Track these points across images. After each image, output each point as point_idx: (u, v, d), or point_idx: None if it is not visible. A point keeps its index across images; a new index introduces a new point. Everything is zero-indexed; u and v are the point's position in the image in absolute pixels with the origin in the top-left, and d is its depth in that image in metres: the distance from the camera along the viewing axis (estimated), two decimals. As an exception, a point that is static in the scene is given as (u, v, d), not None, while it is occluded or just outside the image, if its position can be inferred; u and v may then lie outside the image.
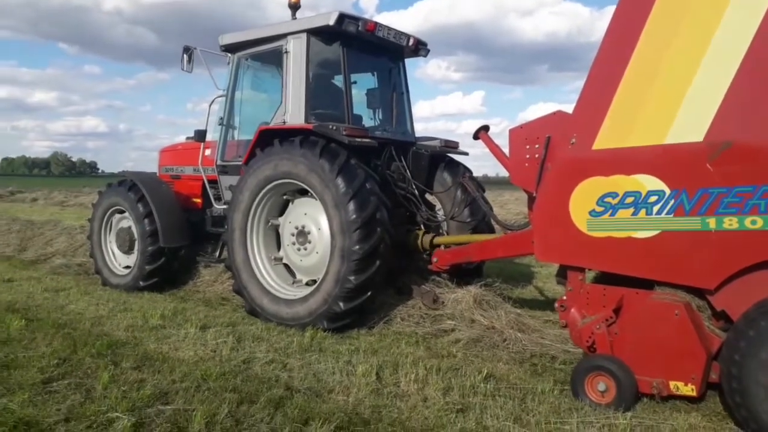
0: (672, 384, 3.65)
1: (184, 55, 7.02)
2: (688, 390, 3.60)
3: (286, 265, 6.27)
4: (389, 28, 6.44)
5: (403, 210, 6.46)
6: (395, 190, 6.35)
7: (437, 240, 6.29)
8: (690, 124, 3.58)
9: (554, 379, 4.25)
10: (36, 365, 4.25)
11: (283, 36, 6.30)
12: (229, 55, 7.02)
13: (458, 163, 6.94)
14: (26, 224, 11.98)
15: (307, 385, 4.01)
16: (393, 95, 7.09)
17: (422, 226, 6.56)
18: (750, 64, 3.39)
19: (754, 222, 3.40)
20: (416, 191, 6.53)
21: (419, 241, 6.35)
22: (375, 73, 7.17)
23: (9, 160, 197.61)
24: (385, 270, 5.55)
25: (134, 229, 7.46)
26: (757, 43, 3.37)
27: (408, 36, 6.70)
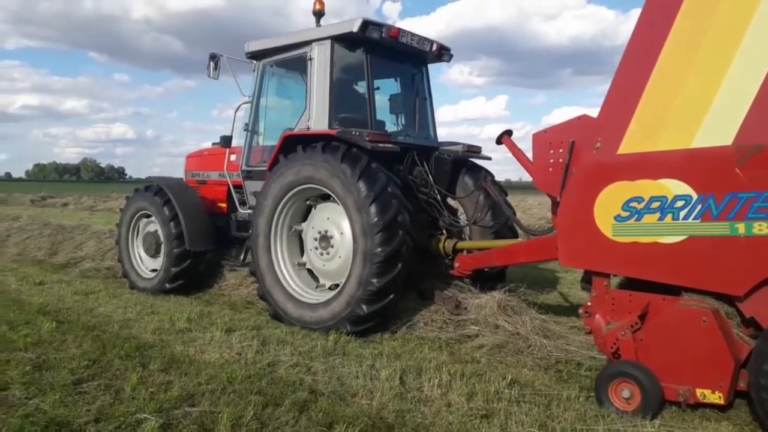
0: (699, 392, 3.60)
1: (211, 63, 7.08)
2: (716, 398, 3.55)
3: (309, 270, 6.31)
4: (413, 34, 6.46)
5: (425, 215, 6.47)
6: (417, 195, 6.39)
7: (460, 245, 6.28)
8: (718, 127, 3.53)
9: (580, 386, 4.20)
10: (67, 366, 4.35)
11: (308, 43, 6.37)
12: (255, 62, 7.13)
13: (480, 168, 6.92)
14: (57, 228, 12.25)
15: (331, 389, 4.03)
16: (416, 101, 7.13)
17: (444, 231, 6.56)
18: None
19: None
20: (438, 196, 6.56)
21: (441, 246, 6.34)
22: (398, 78, 7.21)
23: (41, 166, 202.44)
24: (407, 273, 5.56)
25: (161, 233, 7.61)
26: None
27: (431, 41, 6.70)
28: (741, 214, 3.45)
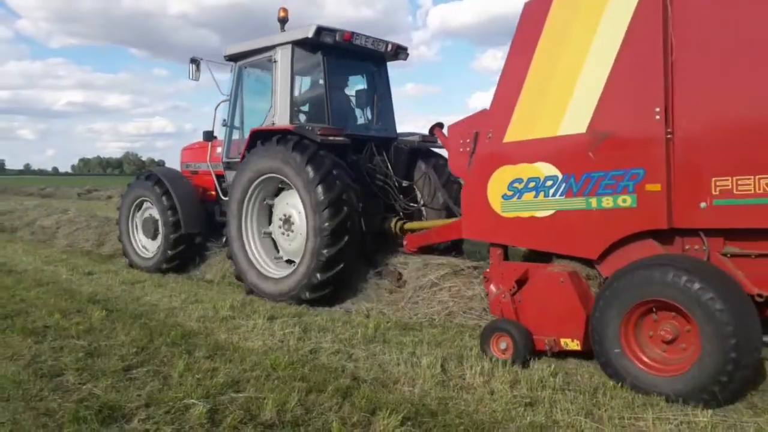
0: (562, 341, 4.29)
1: (192, 65, 7.92)
2: (574, 345, 4.23)
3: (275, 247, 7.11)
4: (367, 37, 7.12)
5: (381, 200, 7.13)
6: (375, 182, 7.09)
7: (407, 226, 6.97)
8: (576, 118, 4.19)
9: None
10: (117, 353, 4.49)
11: (273, 47, 7.11)
12: (232, 64, 7.89)
13: (433, 155, 7.49)
14: (103, 221, 12.61)
15: (372, 376, 4.05)
16: (376, 96, 7.86)
17: (401, 214, 7.19)
18: (619, 68, 4.00)
19: (624, 200, 4.00)
20: (395, 182, 7.23)
21: (393, 227, 7.04)
22: (358, 76, 7.92)
23: (85, 160, 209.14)
24: (355, 244, 6.25)
25: (159, 219, 8.43)
26: (623, 51, 3.97)
27: (387, 43, 7.40)
28: (593, 191, 4.12)
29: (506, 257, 4.90)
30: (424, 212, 7.44)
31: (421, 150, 7.48)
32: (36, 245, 11.64)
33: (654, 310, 3.77)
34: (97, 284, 7.47)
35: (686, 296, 3.54)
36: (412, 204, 7.30)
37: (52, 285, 7.36)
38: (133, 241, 9.00)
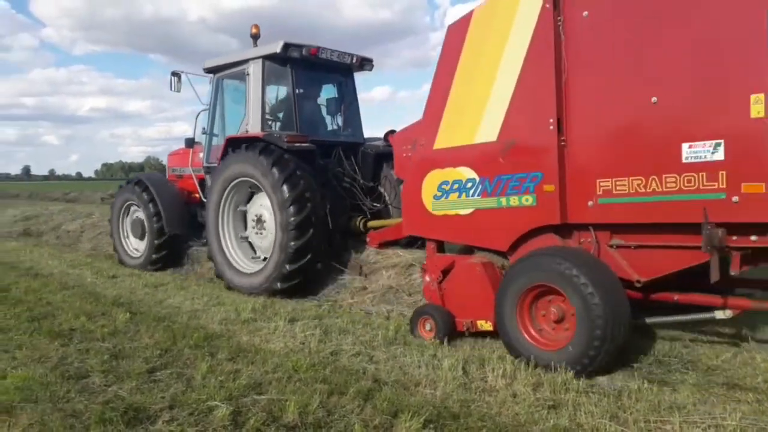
0: (478, 323, 4.93)
1: (173, 78, 8.63)
2: (488, 326, 4.87)
3: (251, 246, 7.70)
4: (332, 51, 7.74)
5: (347, 200, 7.69)
6: (342, 183, 7.68)
7: (369, 224, 7.51)
8: (489, 128, 4.76)
9: (650, 378, 4.04)
10: (141, 355, 4.55)
11: (246, 61, 7.73)
12: (211, 76, 8.56)
13: None
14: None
15: (394, 378, 4.04)
16: (344, 104, 8.49)
17: (368, 213, 7.70)
18: (521, 84, 4.55)
19: (527, 200, 4.56)
20: (361, 184, 7.80)
21: (357, 225, 7.62)
22: (327, 86, 8.55)
23: (108, 165, 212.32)
24: (320, 238, 6.87)
25: (145, 221, 9.08)
26: (524, 71, 4.51)
27: (352, 55, 8.05)
28: (503, 191, 4.70)
29: (442, 250, 5.50)
30: (391, 211, 7.90)
31: (385, 154, 7.76)
32: (61, 249, 11.86)
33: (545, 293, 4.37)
34: (121, 287, 7.58)
35: (565, 281, 4.10)
36: (375, 204, 7.81)
37: (77, 288, 7.48)
38: (123, 242, 9.77)
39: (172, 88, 8.67)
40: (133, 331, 5.28)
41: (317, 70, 8.13)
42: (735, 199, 3.66)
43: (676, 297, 4.39)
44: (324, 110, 8.50)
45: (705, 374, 4.09)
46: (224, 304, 6.41)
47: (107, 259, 10.30)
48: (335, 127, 8.52)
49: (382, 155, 7.89)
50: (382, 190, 8.04)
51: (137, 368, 4.24)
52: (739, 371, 4.13)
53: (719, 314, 4.12)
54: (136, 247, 9.59)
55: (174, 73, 8.69)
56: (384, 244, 6.94)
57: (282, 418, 3.39)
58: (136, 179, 9.45)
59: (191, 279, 8.25)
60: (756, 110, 3.56)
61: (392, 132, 6.44)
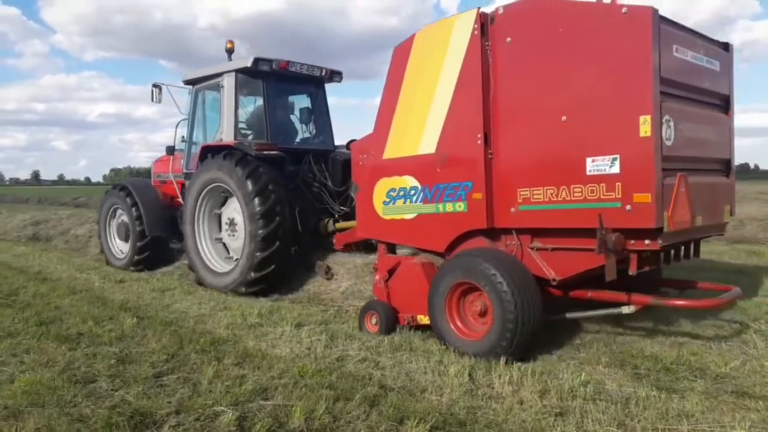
0: (418, 317, 5.34)
1: (154, 90, 9.18)
2: (426, 320, 5.21)
3: (224, 246, 8.22)
4: (302, 64, 8.28)
5: (317, 204, 8.10)
6: (312, 188, 8.10)
7: (336, 225, 7.90)
8: (429, 141, 5.24)
9: (658, 385, 4.00)
10: (148, 360, 4.56)
11: (221, 74, 8.21)
12: (190, 87, 9.08)
13: None
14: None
15: (400, 384, 4.03)
16: (315, 114, 9.01)
17: (336, 216, 8.05)
18: (454, 103, 5.02)
19: (459, 206, 5.04)
20: (330, 188, 8.12)
21: (324, 228, 8.03)
22: (298, 97, 9.03)
23: (116, 170, 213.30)
24: (286, 249, 7.34)
25: (129, 224, 9.60)
26: (457, 91, 4.99)
27: (321, 68, 8.55)
28: (441, 198, 5.17)
29: (393, 252, 5.99)
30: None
31: None
32: (70, 254, 11.94)
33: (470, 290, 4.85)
34: (128, 292, 7.61)
35: (484, 279, 4.61)
36: (343, 207, 8.08)
37: (85, 293, 7.52)
38: (109, 243, 10.35)
39: (154, 100, 9.24)
40: (140, 336, 5.30)
41: (288, 82, 8.63)
42: (628, 207, 4.13)
43: (590, 294, 4.85)
44: (296, 119, 9.04)
45: (713, 382, 4.05)
46: (231, 308, 6.42)
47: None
48: (307, 135, 9.06)
49: (349, 161, 8.05)
50: (352, 194, 8.19)
51: (144, 373, 4.25)
52: (748, 379, 4.09)
53: (625, 309, 4.57)
54: (121, 248, 10.12)
55: (155, 85, 9.25)
56: (349, 246, 7.36)
57: (288, 423, 3.39)
58: (121, 185, 10.05)
59: (197, 284, 8.25)
60: (644, 130, 4.08)
61: (353, 141, 6.68)
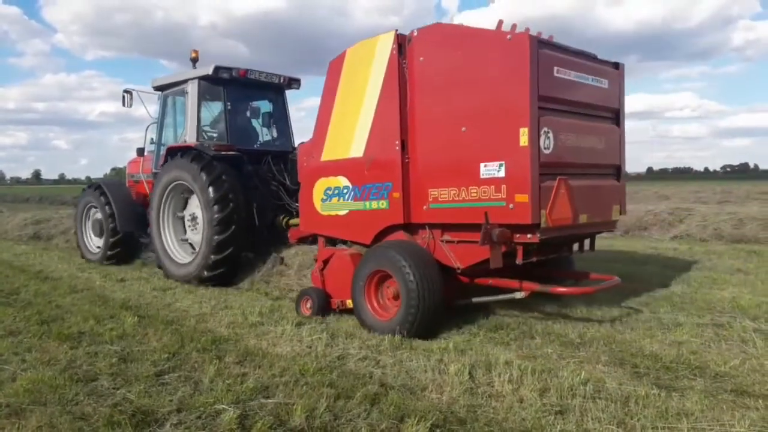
0: (347, 302, 5.88)
1: (125, 95, 9.78)
2: (352, 304, 5.73)
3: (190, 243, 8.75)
4: (260, 72, 8.93)
5: (275, 201, 8.61)
6: (270, 186, 8.63)
7: (291, 221, 8.35)
8: (358, 145, 5.89)
9: (658, 383, 4.01)
10: (149, 359, 4.57)
11: (186, 81, 8.85)
12: (159, 93, 9.73)
13: None
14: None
15: (400, 383, 4.04)
16: (275, 117, 9.69)
17: (293, 212, 8.38)
18: (378, 112, 5.69)
19: (382, 204, 5.74)
20: (288, 186, 8.58)
21: (280, 223, 8.51)
22: (259, 102, 9.64)
23: (117, 169, 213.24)
24: (241, 233, 7.92)
25: (102, 220, 10.27)
26: (380, 102, 5.66)
27: (280, 76, 9.24)
28: (367, 197, 5.84)
29: (333, 244, 6.59)
30: None
31: None
32: (71, 253, 11.94)
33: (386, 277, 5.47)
34: (129, 291, 7.63)
35: (394, 267, 5.28)
36: (298, 204, 8.67)
37: (86, 291, 7.54)
38: (85, 239, 11.01)
39: (125, 104, 9.81)
40: (141, 335, 5.32)
41: (249, 88, 9.26)
42: (511, 206, 4.83)
43: (490, 281, 5.56)
44: (255, 123, 9.69)
45: (713, 381, 4.06)
46: (232, 307, 6.44)
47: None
48: (267, 137, 9.71)
49: None
50: None
51: (145, 371, 4.27)
52: (747, 378, 4.09)
53: (517, 294, 5.26)
54: (96, 244, 10.73)
55: (126, 91, 9.86)
56: (301, 239, 7.93)
57: (289, 421, 3.41)
58: (95, 184, 10.73)
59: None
60: (523, 140, 4.75)
61: (303, 143, 7.19)
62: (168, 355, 4.67)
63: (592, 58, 5.70)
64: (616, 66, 5.94)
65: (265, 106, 9.70)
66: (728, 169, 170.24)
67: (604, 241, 12.60)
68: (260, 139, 9.66)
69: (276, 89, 9.58)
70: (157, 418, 3.49)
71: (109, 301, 6.85)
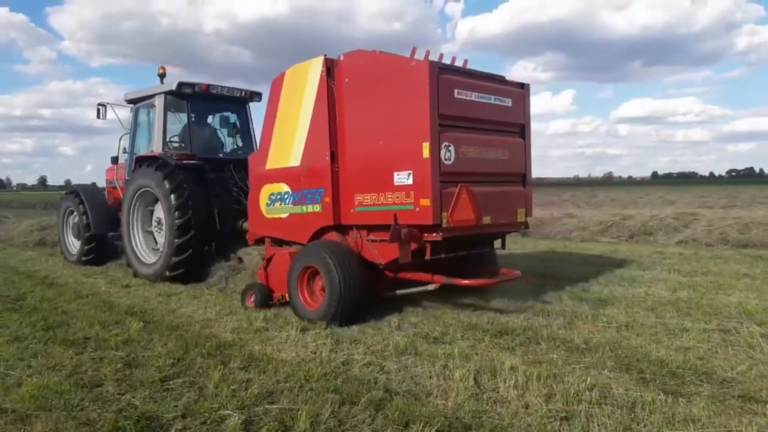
0: (286, 295, 6.52)
1: (100, 108, 10.45)
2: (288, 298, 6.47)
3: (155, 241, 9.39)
4: (222, 87, 9.67)
5: (236, 206, 9.10)
6: (231, 193, 9.20)
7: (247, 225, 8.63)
8: (296, 155, 6.64)
9: (665, 389, 3.99)
10: (154, 364, 4.58)
11: (153, 95, 9.55)
12: (131, 105, 10.42)
13: None
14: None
15: (405, 388, 4.03)
16: (238, 128, 10.44)
17: None
18: (311, 127, 6.43)
19: (316, 208, 6.46)
20: (248, 192, 8.70)
21: (241, 226, 8.89)
22: (223, 114, 10.45)
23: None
24: (200, 237, 8.54)
25: (79, 223, 10.98)
26: (313, 117, 6.39)
27: (242, 90, 9.97)
28: (304, 201, 6.58)
29: (280, 244, 7.18)
30: None
31: None
32: (76, 258, 11.94)
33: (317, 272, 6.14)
34: (134, 296, 7.64)
35: (321, 263, 5.99)
36: None
37: (91, 297, 7.56)
38: (65, 240, 11.74)
39: (100, 117, 10.46)
40: (146, 340, 5.32)
41: (212, 101, 9.96)
42: (417, 209, 5.57)
43: (409, 275, 6.20)
44: (219, 133, 10.42)
45: (720, 386, 4.03)
46: (236, 313, 6.44)
47: (120, 267, 10.39)
48: (230, 147, 10.40)
49: None
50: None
51: (150, 377, 4.27)
52: (754, 383, 4.07)
53: (430, 287, 5.97)
54: (75, 245, 11.37)
55: (101, 104, 10.53)
56: (258, 241, 8.09)
57: (294, 427, 3.40)
58: (74, 191, 11.49)
59: (202, 288, 8.28)
60: (425, 153, 5.50)
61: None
62: (173, 360, 4.67)
63: (499, 79, 6.49)
64: (522, 86, 6.70)
65: (228, 117, 10.46)
66: (733, 174, 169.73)
67: (607, 247, 12.57)
68: (224, 148, 10.35)
69: (239, 102, 10.25)
70: (162, 423, 3.49)
71: (114, 307, 6.86)
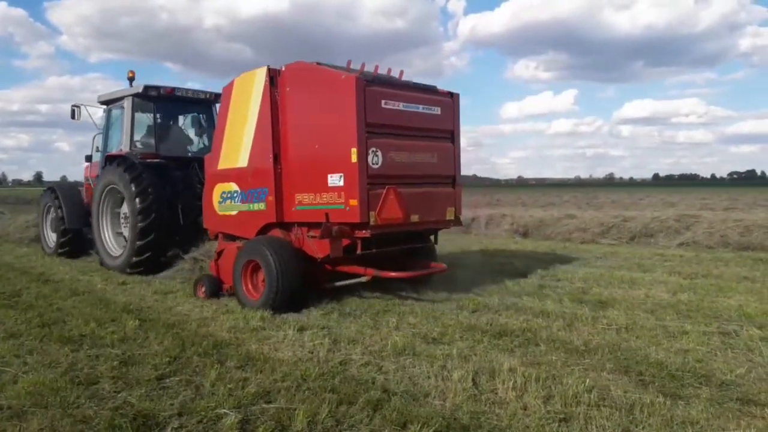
0: (232, 287, 6.98)
1: (75, 109, 10.99)
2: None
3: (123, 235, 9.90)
4: (187, 90, 10.34)
5: (198, 202, 8.96)
6: (195, 189, 9.43)
7: None
8: (244, 157, 7.10)
9: (663, 391, 3.97)
10: (150, 362, 4.55)
11: (123, 98, 10.15)
12: (104, 107, 11.00)
13: None
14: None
15: (403, 389, 4.01)
16: (203, 128, 10.96)
17: None
18: (257, 131, 6.93)
19: (261, 206, 6.94)
20: None
21: (203, 221, 9.03)
22: (189, 115, 11.08)
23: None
24: (160, 238, 9.13)
25: (56, 218, 11.60)
26: (258, 122, 6.89)
27: (206, 92, 10.59)
28: (252, 200, 7.05)
29: (233, 239, 7.52)
30: None
31: None
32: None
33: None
34: (130, 294, 7.61)
35: (261, 257, 6.51)
36: None
37: (87, 294, 7.53)
38: (46, 235, 12.41)
39: (74, 117, 10.96)
40: (142, 338, 5.29)
41: (178, 103, 10.55)
42: (347, 208, 6.10)
43: (345, 268, 6.76)
44: (185, 133, 11.00)
45: (719, 389, 4.02)
46: (233, 312, 6.41)
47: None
48: (196, 146, 10.93)
49: None
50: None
51: (146, 375, 4.25)
52: (753, 386, 4.05)
53: (363, 278, 6.57)
54: (53, 239, 11.99)
55: (75, 105, 11.02)
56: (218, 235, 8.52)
57: (291, 427, 3.38)
58: (51, 187, 12.22)
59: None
60: (353, 157, 6.05)
61: None
62: (169, 359, 4.64)
63: (429, 89, 7.12)
64: (452, 95, 7.28)
65: (194, 118, 11.05)
66: (735, 176, 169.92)
67: (608, 248, 12.56)
68: (190, 148, 10.87)
69: (205, 104, 10.80)
70: (158, 422, 3.47)
71: (110, 305, 6.83)
